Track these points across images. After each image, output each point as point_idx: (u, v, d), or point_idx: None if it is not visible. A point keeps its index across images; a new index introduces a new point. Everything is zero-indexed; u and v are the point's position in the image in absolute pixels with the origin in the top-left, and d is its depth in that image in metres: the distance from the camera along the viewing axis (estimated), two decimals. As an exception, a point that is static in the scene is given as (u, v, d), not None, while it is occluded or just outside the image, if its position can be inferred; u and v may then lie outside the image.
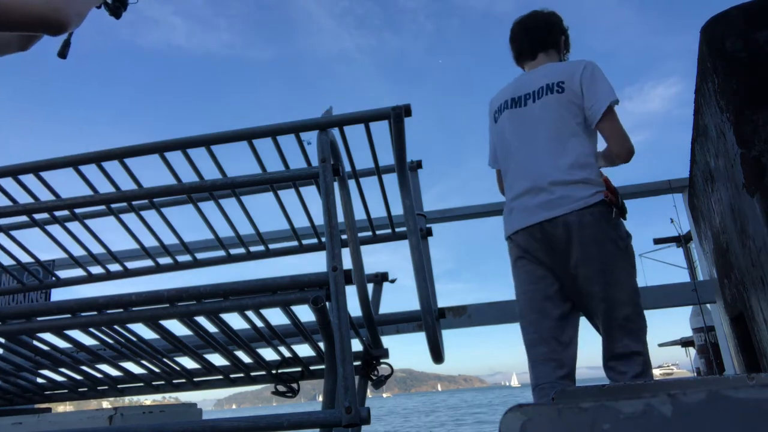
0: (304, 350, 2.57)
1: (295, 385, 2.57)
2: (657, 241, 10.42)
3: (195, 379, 2.68)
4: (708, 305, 4.41)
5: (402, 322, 3.07)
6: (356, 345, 2.45)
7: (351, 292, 1.95)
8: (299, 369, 2.58)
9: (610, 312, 2.17)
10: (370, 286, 2.93)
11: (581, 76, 2.25)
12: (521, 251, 2.37)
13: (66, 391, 2.74)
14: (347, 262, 1.81)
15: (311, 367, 2.58)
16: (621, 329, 2.16)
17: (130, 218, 2.59)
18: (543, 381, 2.22)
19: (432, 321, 2.46)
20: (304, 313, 2.43)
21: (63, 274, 3.23)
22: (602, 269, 2.16)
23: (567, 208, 2.17)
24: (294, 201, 2.58)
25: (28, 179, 2.30)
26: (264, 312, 1.96)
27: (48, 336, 2.15)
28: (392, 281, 3.17)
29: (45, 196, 2.30)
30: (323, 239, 2.37)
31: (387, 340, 2.88)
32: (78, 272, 2.81)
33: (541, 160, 2.29)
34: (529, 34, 2.50)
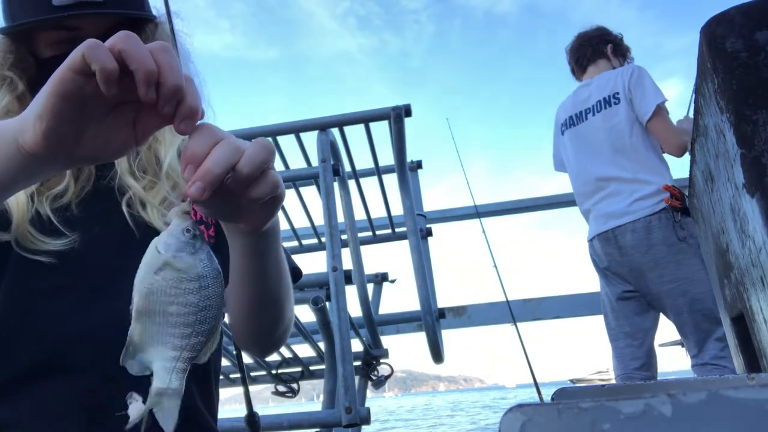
0: (304, 350, 2.56)
1: (295, 385, 2.57)
2: (657, 241, 10.39)
3: (195, 379, 2.68)
4: (708, 305, 4.42)
5: (402, 322, 3.07)
6: (356, 345, 2.45)
7: (351, 292, 1.95)
8: (299, 369, 2.58)
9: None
10: (370, 286, 2.93)
11: (629, 82, 2.42)
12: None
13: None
14: (347, 262, 1.81)
15: (311, 367, 2.58)
16: None
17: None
18: None
19: (432, 321, 2.46)
20: (304, 313, 2.42)
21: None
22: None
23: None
24: (294, 201, 2.58)
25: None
26: (264, 312, 1.95)
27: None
28: (392, 281, 3.17)
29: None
30: (323, 239, 2.36)
31: (387, 340, 2.87)
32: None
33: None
34: (575, 52, 2.74)
